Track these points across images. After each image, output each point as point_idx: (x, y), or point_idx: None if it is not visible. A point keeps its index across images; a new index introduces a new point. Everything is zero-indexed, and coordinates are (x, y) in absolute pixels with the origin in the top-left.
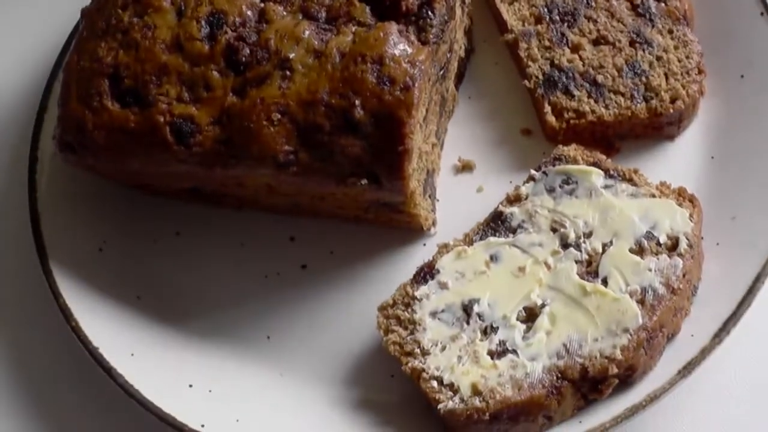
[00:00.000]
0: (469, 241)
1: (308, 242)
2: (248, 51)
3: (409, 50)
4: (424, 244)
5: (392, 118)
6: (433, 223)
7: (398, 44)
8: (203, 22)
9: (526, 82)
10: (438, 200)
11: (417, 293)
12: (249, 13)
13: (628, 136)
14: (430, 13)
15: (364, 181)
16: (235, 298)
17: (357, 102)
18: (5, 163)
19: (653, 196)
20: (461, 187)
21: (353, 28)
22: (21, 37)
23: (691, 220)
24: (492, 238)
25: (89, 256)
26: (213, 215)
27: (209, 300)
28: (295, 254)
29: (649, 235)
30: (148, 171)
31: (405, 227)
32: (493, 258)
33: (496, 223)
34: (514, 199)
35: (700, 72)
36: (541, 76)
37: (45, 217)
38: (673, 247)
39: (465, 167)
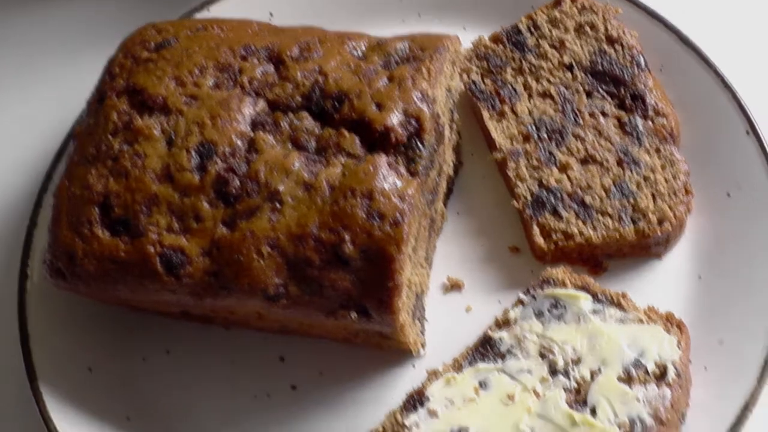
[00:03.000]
0: (458, 366)
1: (298, 362)
2: (238, 183)
3: (399, 183)
4: (414, 366)
5: (382, 254)
6: (422, 345)
7: (387, 178)
8: (193, 152)
9: (514, 202)
10: (427, 320)
11: (407, 421)
12: (239, 142)
13: (615, 255)
14: (419, 143)
15: (353, 315)
16: (225, 419)
17: (347, 237)
18: None
19: (641, 321)
20: (450, 307)
21: (343, 160)
22: (10, 148)
23: (679, 348)
24: (481, 364)
25: (79, 376)
26: (202, 333)
27: (199, 421)
28: (285, 374)
29: (637, 363)
30: (138, 298)
31: (394, 349)
32: (483, 385)
33: (485, 348)
34: (503, 324)
35: (687, 192)
36: (529, 197)
37: (34, 337)
38: (661, 375)
39: (454, 286)
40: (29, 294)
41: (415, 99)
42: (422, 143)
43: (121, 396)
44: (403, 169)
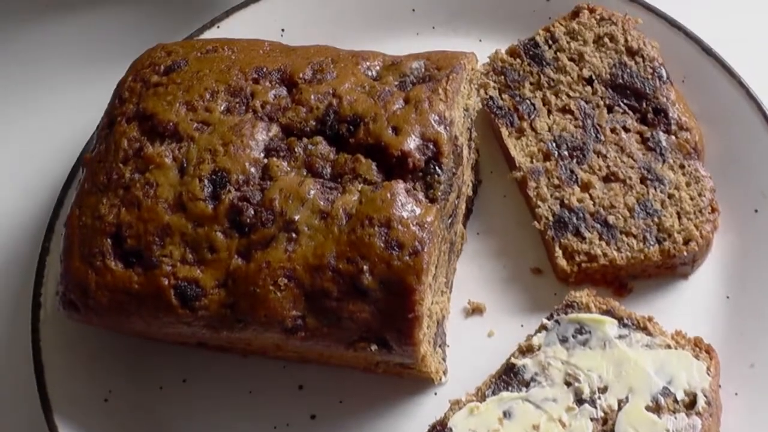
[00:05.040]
0: (481, 396)
1: (317, 391)
2: (252, 212)
3: (417, 211)
4: (435, 393)
5: (401, 285)
6: (444, 373)
7: (406, 205)
8: (206, 181)
9: (535, 223)
10: (448, 346)
11: None
12: (252, 170)
13: (640, 276)
14: (437, 168)
15: (373, 347)
16: None
17: (365, 267)
18: (8, 309)
19: (669, 346)
20: (472, 332)
21: (359, 186)
22: (22, 174)
23: (708, 374)
24: (505, 393)
25: (95, 407)
26: (220, 362)
27: None
28: (304, 403)
29: (666, 392)
30: (153, 330)
31: (415, 377)
32: (507, 414)
33: (509, 376)
34: (527, 350)
35: (713, 210)
36: (551, 218)
37: (49, 367)
38: (690, 404)
39: (475, 310)
40: (43, 323)
41: (433, 122)
42: (440, 168)
43: (138, 426)
44: (421, 196)
